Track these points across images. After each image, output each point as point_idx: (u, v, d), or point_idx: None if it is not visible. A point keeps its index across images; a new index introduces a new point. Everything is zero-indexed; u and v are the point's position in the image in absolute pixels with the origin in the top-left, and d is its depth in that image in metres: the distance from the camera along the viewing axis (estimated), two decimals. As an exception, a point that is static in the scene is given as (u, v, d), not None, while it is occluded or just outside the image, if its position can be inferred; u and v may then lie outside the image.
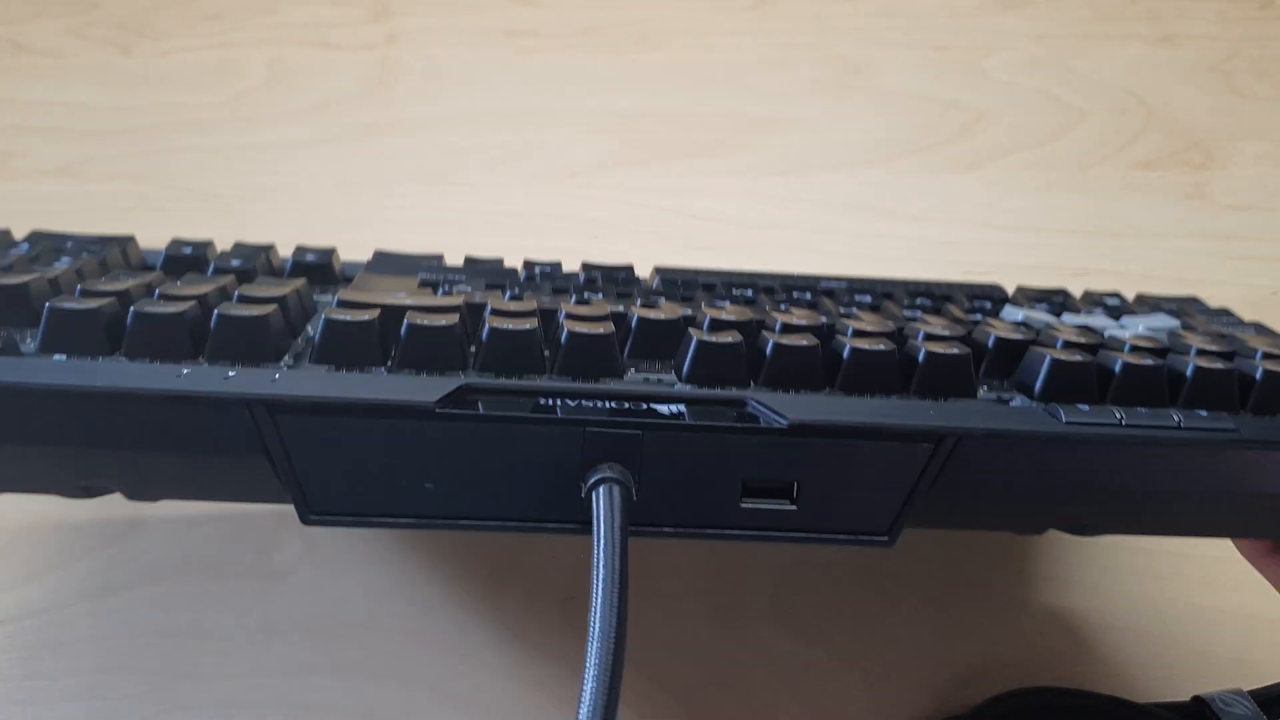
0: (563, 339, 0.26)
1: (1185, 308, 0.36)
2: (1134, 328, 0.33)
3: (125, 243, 0.32)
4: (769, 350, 0.26)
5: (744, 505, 0.25)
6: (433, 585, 0.38)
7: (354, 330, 0.25)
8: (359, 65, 0.63)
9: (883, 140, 0.59)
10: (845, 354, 0.26)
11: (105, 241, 0.32)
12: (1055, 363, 0.27)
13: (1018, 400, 0.27)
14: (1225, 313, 0.36)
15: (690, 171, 0.56)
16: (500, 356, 0.25)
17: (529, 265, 0.34)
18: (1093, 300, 0.35)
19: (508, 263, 0.36)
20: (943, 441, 0.24)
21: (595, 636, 0.20)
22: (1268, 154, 0.59)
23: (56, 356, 0.24)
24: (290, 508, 0.26)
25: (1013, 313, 0.33)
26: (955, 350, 0.26)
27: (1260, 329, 0.34)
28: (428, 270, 0.33)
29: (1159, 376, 0.27)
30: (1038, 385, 0.27)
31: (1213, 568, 0.42)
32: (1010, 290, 0.37)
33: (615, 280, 0.33)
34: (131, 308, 0.24)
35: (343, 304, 0.27)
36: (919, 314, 0.32)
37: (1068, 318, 0.33)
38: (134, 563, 0.39)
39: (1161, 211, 0.56)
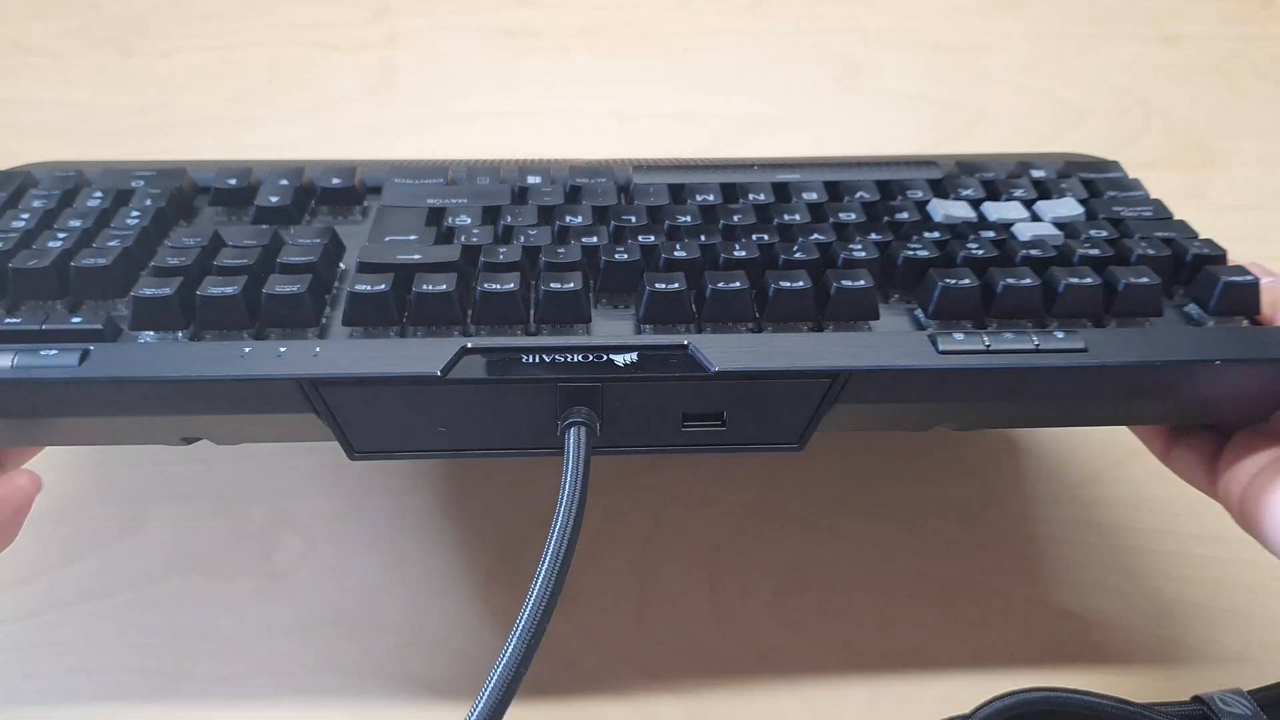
0: (541, 295, 0.33)
1: (1100, 184, 0.41)
2: (1042, 219, 0.38)
3: (180, 178, 0.40)
4: (709, 295, 0.33)
5: (684, 428, 0.32)
6: (432, 585, 0.38)
7: (373, 300, 0.32)
8: (359, 65, 0.64)
9: (882, 140, 0.60)
10: (770, 293, 0.33)
11: (165, 177, 0.40)
12: (945, 289, 0.33)
13: (918, 312, 0.34)
14: (1135, 185, 0.41)
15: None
16: (491, 313, 0.33)
17: (523, 172, 0.41)
18: (1017, 179, 0.41)
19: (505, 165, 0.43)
20: (838, 376, 0.31)
21: (553, 536, 0.28)
22: (1267, 154, 0.59)
23: (146, 335, 0.32)
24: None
25: (938, 208, 0.39)
26: (861, 283, 0.33)
27: (1159, 210, 0.39)
28: (434, 196, 0.39)
29: (1034, 295, 0.33)
30: (931, 306, 0.34)
31: (1212, 568, 0.42)
32: (947, 166, 0.42)
33: (595, 193, 0.39)
34: (198, 293, 0.32)
35: (363, 268, 0.34)
36: (853, 218, 0.38)
37: (988, 208, 0.39)
38: (134, 563, 0.39)
39: None
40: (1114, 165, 0.43)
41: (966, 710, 0.35)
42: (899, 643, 0.40)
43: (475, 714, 0.26)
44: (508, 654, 0.27)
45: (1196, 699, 0.35)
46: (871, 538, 0.43)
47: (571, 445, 0.30)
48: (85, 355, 0.31)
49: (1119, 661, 0.39)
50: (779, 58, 0.69)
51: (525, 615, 0.27)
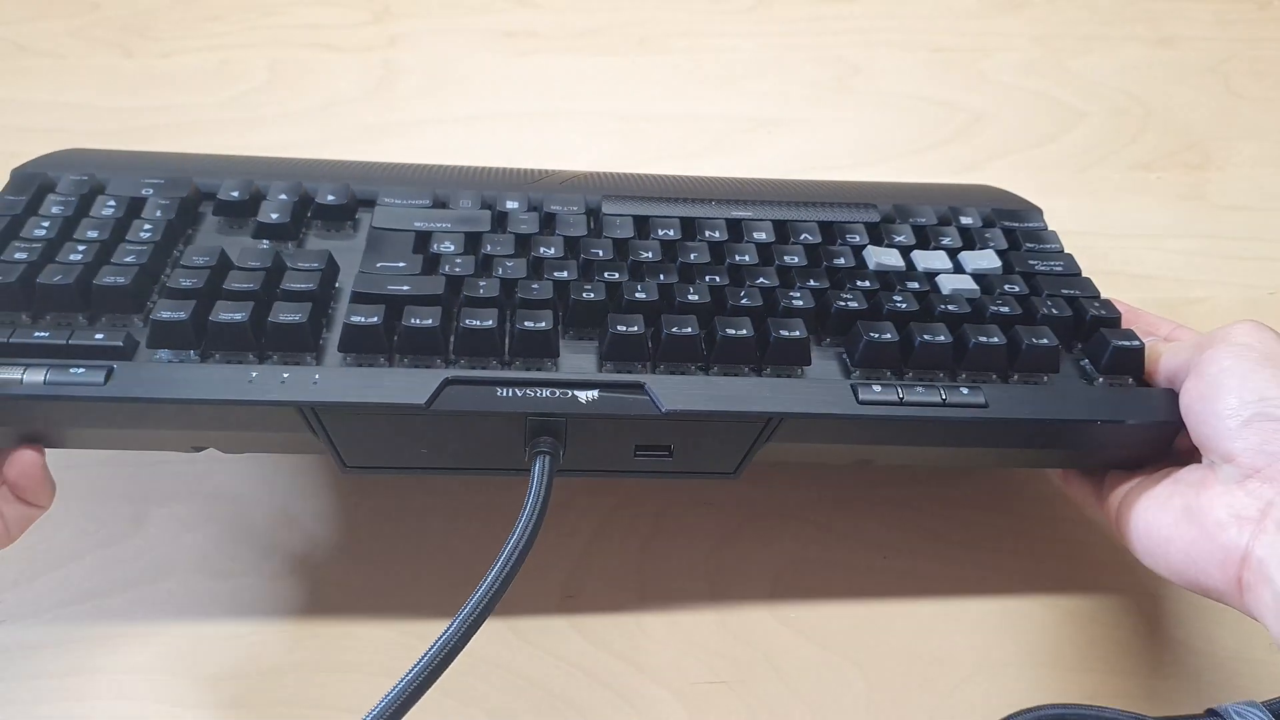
0: (516, 332, 0.37)
1: (1020, 234, 0.46)
2: (964, 269, 0.44)
3: (187, 187, 0.43)
4: (664, 338, 0.37)
5: (636, 456, 0.37)
6: (433, 584, 0.38)
7: (366, 331, 0.37)
8: (360, 67, 0.64)
9: (881, 141, 0.60)
10: (719, 339, 0.38)
11: (173, 186, 0.43)
12: (868, 343, 0.38)
13: (847, 357, 0.39)
14: (1052, 238, 0.46)
15: (689, 172, 0.56)
16: (471, 346, 0.37)
17: (502, 195, 0.45)
18: (946, 226, 0.46)
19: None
20: (770, 419, 0.36)
21: (510, 544, 0.33)
22: (1264, 154, 0.59)
23: (161, 353, 0.36)
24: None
25: (871, 255, 0.44)
26: (796, 334, 0.38)
27: (1069, 266, 0.44)
28: (421, 219, 0.43)
29: (947, 350, 0.38)
30: (857, 355, 0.39)
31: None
32: (885, 207, 0.47)
33: (568, 223, 0.44)
34: (210, 319, 0.36)
35: (356, 298, 0.38)
36: (796, 261, 0.43)
37: (917, 257, 0.44)
38: (134, 562, 0.39)
39: (1159, 212, 0.56)
40: (1036, 214, 0.48)
41: (968, 711, 0.35)
42: (899, 641, 0.40)
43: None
44: (446, 634, 0.31)
45: (1210, 712, 0.35)
46: (870, 536, 0.43)
47: (536, 472, 0.35)
48: (110, 374, 0.35)
49: (1118, 660, 0.40)
50: (778, 59, 0.69)
51: (468, 605, 0.32)
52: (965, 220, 0.47)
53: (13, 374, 0.34)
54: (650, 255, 0.42)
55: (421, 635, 0.40)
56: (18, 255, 0.38)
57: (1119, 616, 0.42)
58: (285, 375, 0.35)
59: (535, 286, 0.39)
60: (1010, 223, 0.47)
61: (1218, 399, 0.34)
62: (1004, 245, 0.45)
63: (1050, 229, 0.47)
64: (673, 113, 0.64)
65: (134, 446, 0.38)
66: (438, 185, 0.46)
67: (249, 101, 0.63)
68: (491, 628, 0.40)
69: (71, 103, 0.63)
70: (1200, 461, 0.36)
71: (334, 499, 0.44)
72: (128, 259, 0.39)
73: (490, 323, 0.37)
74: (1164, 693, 0.40)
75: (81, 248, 0.39)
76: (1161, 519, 0.35)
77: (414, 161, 0.59)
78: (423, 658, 0.30)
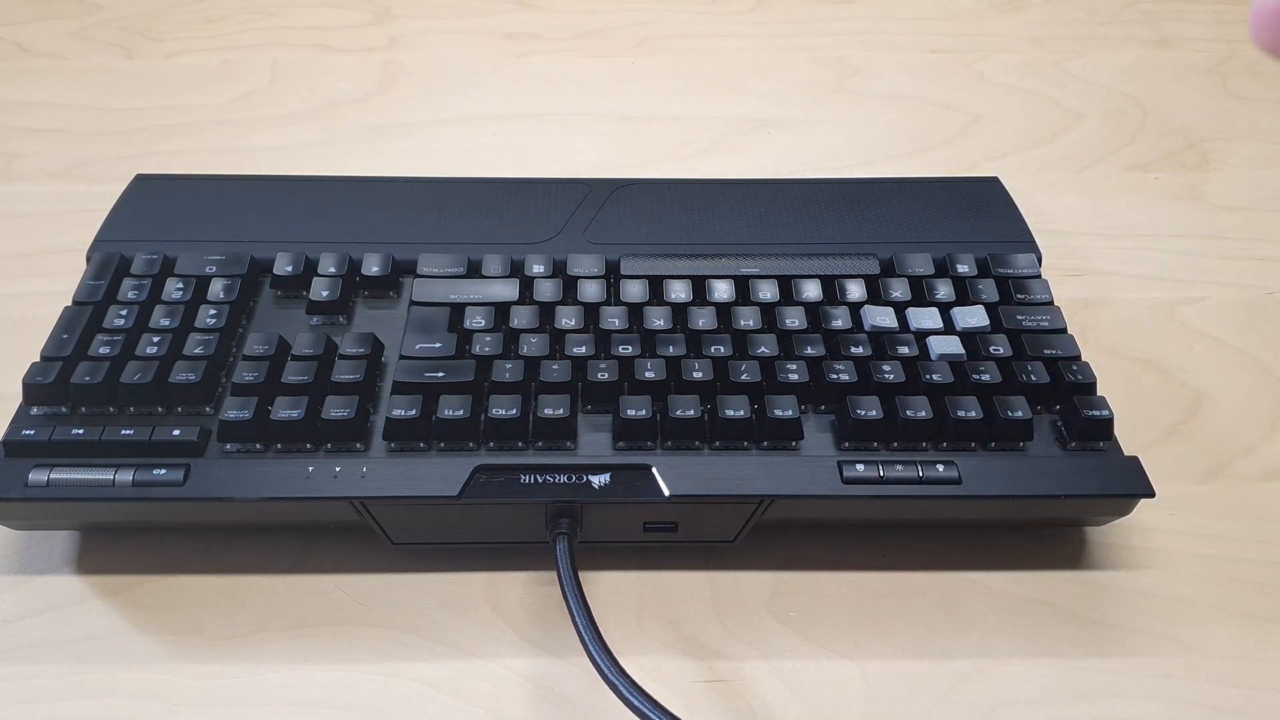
0: (536, 419, 0.42)
1: (1014, 285, 0.48)
2: (955, 327, 0.46)
3: (245, 263, 0.48)
4: (670, 420, 0.42)
5: (646, 531, 0.42)
6: (433, 582, 0.38)
7: (406, 424, 0.41)
8: (361, 68, 0.64)
9: (880, 142, 0.60)
10: (720, 420, 0.42)
11: (233, 263, 0.47)
12: (857, 421, 0.42)
13: (837, 424, 0.44)
14: (1043, 288, 0.48)
15: (688, 173, 0.57)
16: (498, 432, 0.42)
17: (530, 259, 0.48)
18: (942, 278, 0.49)
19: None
20: (763, 499, 0.41)
21: (574, 614, 0.37)
22: (1262, 155, 0.60)
23: (229, 445, 0.41)
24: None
25: (867, 315, 0.47)
26: (790, 413, 0.42)
27: (1055, 320, 0.46)
28: (456, 291, 0.47)
29: (928, 426, 0.42)
30: (846, 430, 0.43)
31: (1208, 566, 0.42)
32: (884, 254, 0.50)
33: (587, 291, 0.47)
34: (271, 417, 0.41)
35: (397, 388, 0.43)
36: (796, 324, 0.46)
37: (911, 315, 0.47)
38: (134, 561, 0.38)
39: (1157, 212, 0.57)
40: (1031, 260, 0.50)
41: (967, 711, 0.35)
42: (898, 641, 0.40)
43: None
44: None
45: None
46: (870, 536, 0.43)
47: (558, 554, 0.39)
48: (188, 472, 0.40)
49: (1115, 659, 0.39)
50: (778, 60, 0.69)
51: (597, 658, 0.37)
52: (961, 268, 0.50)
53: (105, 475, 0.39)
54: (661, 323, 0.46)
55: (432, 635, 0.40)
56: (102, 350, 0.43)
57: (1115, 615, 0.43)
58: (338, 469, 0.40)
59: (555, 368, 0.43)
60: (1004, 269, 0.50)
61: None
62: (995, 297, 0.49)
63: (1042, 277, 0.50)
64: (673, 113, 0.64)
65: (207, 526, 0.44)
66: (469, 243, 0.50)
67: (250, 102, 0.64)
68: (489, 627, 0.40)
69: (73, 103, 0.63)
70: None
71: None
72: (197, 350, 0.44)
73: (514, 411, 0.42)
74: (1159, 691, 0.40)
75: (156, 339, 0.44)
76: None
77: (415, 162, 0.59)
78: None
